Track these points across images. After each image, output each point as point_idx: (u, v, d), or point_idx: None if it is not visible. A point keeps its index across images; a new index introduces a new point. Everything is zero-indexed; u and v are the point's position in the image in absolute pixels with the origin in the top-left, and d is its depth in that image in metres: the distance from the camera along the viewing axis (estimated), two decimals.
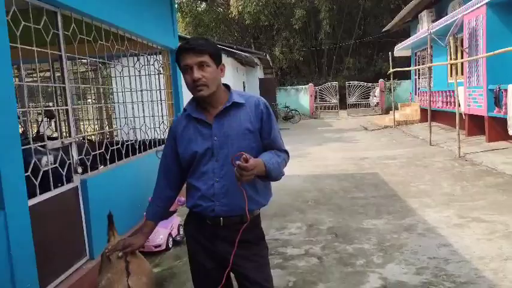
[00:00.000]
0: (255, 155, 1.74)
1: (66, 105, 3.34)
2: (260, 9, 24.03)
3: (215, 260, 1.86)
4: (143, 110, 5.27)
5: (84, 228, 3.40)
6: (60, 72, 3.31)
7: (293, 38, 25.79)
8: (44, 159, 3.24)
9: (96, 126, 6.91)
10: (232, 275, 1.90)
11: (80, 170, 3.33)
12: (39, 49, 2.93)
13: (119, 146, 4.30)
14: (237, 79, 14.71)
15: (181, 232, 4.36)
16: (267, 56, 18.04)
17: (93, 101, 7.85)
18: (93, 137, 6.06)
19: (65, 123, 3.39)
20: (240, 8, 24.19)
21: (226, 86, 1.89)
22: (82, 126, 7.68)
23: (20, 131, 5.47)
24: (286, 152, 1.91)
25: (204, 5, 27.89)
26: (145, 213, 2.02)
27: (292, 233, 4.47)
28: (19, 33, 2.70)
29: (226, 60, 12.99)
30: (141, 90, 5.14)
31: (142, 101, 5.14)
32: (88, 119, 7.88)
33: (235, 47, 16.95)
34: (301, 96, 23.35)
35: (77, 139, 3.41)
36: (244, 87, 16.69)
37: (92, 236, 3.43)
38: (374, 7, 24.79)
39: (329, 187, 6.53)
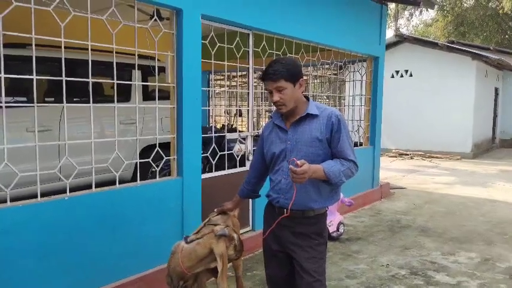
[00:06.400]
0: (320, 161, 2.02)
1: (248, 106, 4.23)
2: None
3: (279, 244, 2.21)
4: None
5: (250, 205, 4.23)
6: (247, 81, 4.21)
7: None
8: (236, 147, 4.29)
9: None
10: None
11: (251, 157, 4.16)
12: (229, 63, 3.89)
13: None
14: (485, 84, 12.79)
15: (341, 230, 4.63)
16: None
17: None
18: None
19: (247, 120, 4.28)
20: None
21: (308, 98, 2.20)
22: None
23: (220, 125, 6.90)
24: (353, 162, 2.07)
25: (472, 1, 25.12)
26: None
27: (457, 261, 4.01)
28: (213, 52, 3.70)
29: (471, 63, 11.56)
30: (329, 95, 5.61)
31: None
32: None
33: (492, 47, 14.80)
34: None
35: (253, 134, 4.25)
36: (496, 95, 14.30)
37: (255, 212, 4.22)
38: None
39: None
